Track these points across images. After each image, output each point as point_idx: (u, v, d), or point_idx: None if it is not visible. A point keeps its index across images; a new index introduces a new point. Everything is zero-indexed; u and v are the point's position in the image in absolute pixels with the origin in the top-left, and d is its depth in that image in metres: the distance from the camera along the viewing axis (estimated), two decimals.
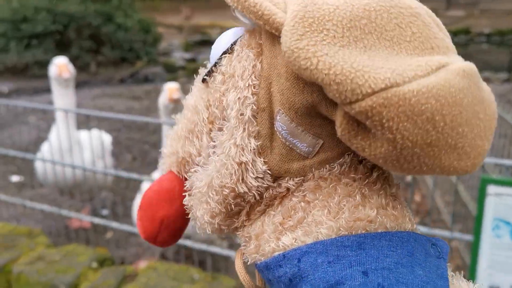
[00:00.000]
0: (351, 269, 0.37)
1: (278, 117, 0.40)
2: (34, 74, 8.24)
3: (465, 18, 12.59)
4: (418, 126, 0.33)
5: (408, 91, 0.33)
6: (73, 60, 8.77)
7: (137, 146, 4.25)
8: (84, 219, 2.33)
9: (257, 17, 0.38)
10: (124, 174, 2.04)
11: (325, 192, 0.40)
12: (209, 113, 0.45)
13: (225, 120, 0.44)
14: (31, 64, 8.20)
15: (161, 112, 2.10)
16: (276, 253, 0.40)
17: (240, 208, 0.44)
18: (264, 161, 0.41)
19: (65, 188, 2.38)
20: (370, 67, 0.34)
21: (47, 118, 4.26)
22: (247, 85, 0.41)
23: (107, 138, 2.92)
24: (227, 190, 0.42)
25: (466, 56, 0.39)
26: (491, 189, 1.27)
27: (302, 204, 0.41)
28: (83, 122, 3.60)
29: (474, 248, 1.32)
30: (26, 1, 7.95)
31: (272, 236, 0.41)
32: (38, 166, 2.58)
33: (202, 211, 0.45)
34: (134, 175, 2.01)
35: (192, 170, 0.47)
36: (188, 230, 0.50)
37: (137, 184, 3.37)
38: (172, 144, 0.49)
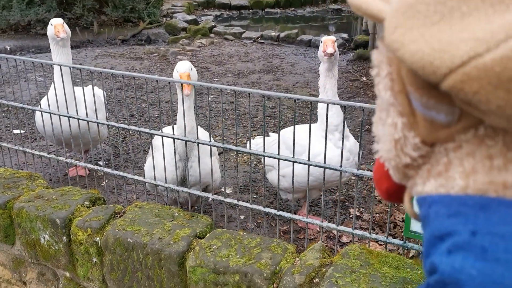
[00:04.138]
0: (463, 226, 0.40)
1: (411, 96, 0.43)
2: (36, 33, 8.32)
3: None
4: None
5: (490, 60, 0.32)
6: (76, 19, 8.76)
7: (137, 104, 4.37)
8: (82, 166, 2.50)
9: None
10: (123, 126, 2.16)
11: (464, 153, 0.42)
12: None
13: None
14: (34, 22, 8.26)
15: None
16: (421, 195, 0.47)
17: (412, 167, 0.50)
18: (414, 135, 0.46)
19: (64, 139, 2.54)
20: (452, 44, 0.34)
21: (50, 75, 4.40)
22: (385, 73, 0.46)
23: (100, 93, 3.09)
24: (393, 162, 0.49)
25: None
26: None
27: (445, 159, 0.44)
28: (86, 80, 3.74)
29: None
30: None
31: (420, 181, 0.48)
32: (37, 118, 2.76)
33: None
34: (133, 127, 2.13)
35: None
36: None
37: (133, 138, 3.54)
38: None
